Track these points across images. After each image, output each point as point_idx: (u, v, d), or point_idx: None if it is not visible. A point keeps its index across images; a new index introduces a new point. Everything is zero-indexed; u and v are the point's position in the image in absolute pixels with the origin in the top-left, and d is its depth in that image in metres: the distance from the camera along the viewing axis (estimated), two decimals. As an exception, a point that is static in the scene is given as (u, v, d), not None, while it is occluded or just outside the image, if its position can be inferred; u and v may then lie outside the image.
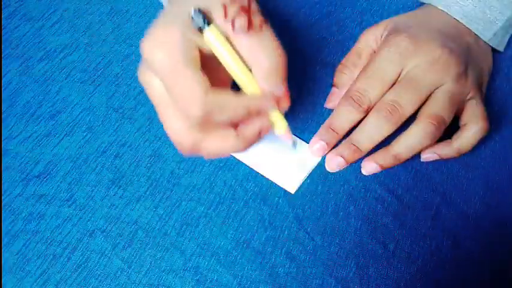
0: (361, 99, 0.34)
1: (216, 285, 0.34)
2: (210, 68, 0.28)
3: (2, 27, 0.46)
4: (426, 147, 0.34)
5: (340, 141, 0.36)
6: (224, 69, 0.29)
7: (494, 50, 0.40)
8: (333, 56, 0.43)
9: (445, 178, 0.37)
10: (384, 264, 0.35)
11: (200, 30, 0.27)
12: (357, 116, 0.34)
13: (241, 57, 0.28)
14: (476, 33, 0.38)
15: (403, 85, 0.33)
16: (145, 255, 0.35)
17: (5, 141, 0.40)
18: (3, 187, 0.38)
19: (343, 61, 0.39)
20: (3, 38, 0.45)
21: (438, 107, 0.33)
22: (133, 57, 0.44)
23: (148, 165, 0.39)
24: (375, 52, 0.38)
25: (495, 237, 0.35)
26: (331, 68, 0.42)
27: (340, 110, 0.35)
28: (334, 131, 0.35)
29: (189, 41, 0.27)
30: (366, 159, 0.35)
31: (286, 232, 0.36)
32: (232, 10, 0.27)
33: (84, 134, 0.40)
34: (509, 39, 0.41)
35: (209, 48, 0.28)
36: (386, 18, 0.44)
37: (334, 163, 0.35)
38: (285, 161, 0.37)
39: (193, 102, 0.26)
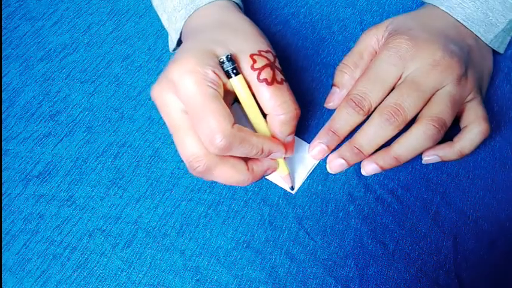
0: (362, 102, 0.34)
1: (216, 285, 0.34)
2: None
3: (2, 27, 0.46)
4: (427, 149, 0.34)
5: (340, 144, 0.36)
6: (228, 95, 0.32)
7: (494, 52, 0.40)
8: (333, 56, 0.43)
9: (445, 178, 0.37)
10: (384, 264, 0.35)
11: (227, 73, 0.31)
12: (357, 119, 0.34)
13: (257, 101, 0.32)
14: (477, 35, 0.38)
15: (405, 88, 0.33)
16: (145, 255, 0.35)
17: (5, 141, 0.40)
18: (3, 187, 0.38)
19: (344, 61, 0.39)
20: (3, 38, 0.45)
21: (439, 109, 0.33)
22: (134, 57, 0.44)
23: (149, 165, 0.39)
24: (376, 52, 0.38)
25: (495, 237, 0.35)
26: (331, 68, 0.42)
27: (341, 113, 0.35)
28: (334, 133, 0.35)
29: (219, 78, 0.30)
30: (365, 159, 0.35)
31: (286, 232, 0.36)
32: (259, 63, 0.31)
33: (84, 134, 0.40)
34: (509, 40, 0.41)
35: (230, 85, 0.32)
36: (387, 18, 0.44)
37: (336, 165, 0.35)
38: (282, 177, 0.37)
39: (219, 133, 0.29)
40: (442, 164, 0.37)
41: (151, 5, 0.46)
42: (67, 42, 0.45)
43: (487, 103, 0.39)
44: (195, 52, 0.31)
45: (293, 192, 0.37)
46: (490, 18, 0.38)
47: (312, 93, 0.41)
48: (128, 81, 0.42)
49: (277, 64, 0.33)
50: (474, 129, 0.34)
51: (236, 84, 0.31)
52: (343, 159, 0.35)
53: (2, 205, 0.37)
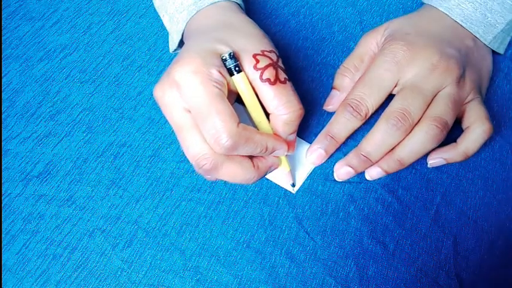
0: (359, 107, 0.34)
1: (216, 285, 0.34)
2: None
3: (2, 27, 0.46)
4: (430, 151, 0.34)
5: (338, 148, 0.37)
6: (231, 95, 0.32)
7: (494, 52, 0.40)
8: (333, 56, 0.43)
9: (445, 178, 0.37)
10: (384, 264, 0.35)
11: (230, 70, 0.31)
12: (355, 124, 0.34)
13: (259, 100, 0.32)
14: (476, 36, 0.38)
15: (408, 93, 0.33)
16: (145, 255, 0.35)
17: (5, 141, 0.40)
18: (3, 187, 0.38)
19: (345, 64, 0.39)
20: (3, 38, 0.45)
21: (440, 110, 0.33)
22: (134, 57, 0.44)
23: (148, 165, 0.39)
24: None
25: (495, 237, 0.35)
26: (331, 68, 0.42)
27: (339, 118, 0.35)
28: (332, 138, 0.35)
29: (224, 78, 0.30)
30: None
31: (286, 232, 0.36)
32: (262, 63, 0.31)
33: (84, 134, 0.40)
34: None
35: (233, 84, 0.31)
36: (387, 18, 0.45)
37: (343, 173, 0.35)
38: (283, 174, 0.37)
39: (225, 132, 0.29)
40: (443, 165, 0.37)
41: (151, 5, 0.46)
42: (67, 42, 0.45)
43: (487, 103, 0.39)
44: (199, 51, 0.31)
45: (293, 191, 0.37)
46: (489, 19, 0.38)
47: (312, 93, 0.41)
48: (127, 81, 0.42)
49: (280, 64, 0.33)
50: (477, 129, 0.34)
51: (238, 81, 0.31)
52: (350, 166, 0.35)
53: (2, 205, 0.37)
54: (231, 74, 0.31)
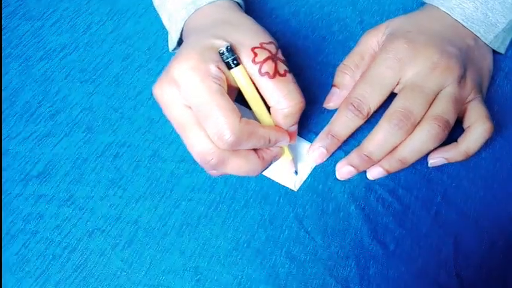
0: (361, 106, 0.34)
1: (216, 285, 0.34)
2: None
3: (2, 27, 0.46)
4: (432, 150, 0.34)
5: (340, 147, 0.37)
6: (231, 90, 0.32)
7: (495, 52, 0.40)
8: (333, 55, 0.43)
9: (446, 178, 0.37)
10: (384, 264, 0.35)
11: (228, 64, 0.30)
12: (357, 123, 0.34)
13: (259, 93, 0.32)
14: (477, 35, 0.38)
15: (409, 92, 0.33)
16: (145, 255, 0.35)
17: (5, 141, 0.40)
18: (3, 187, 0.38)
19: (345, 61, 0.39)
20: (3, 38, 0.45)
21: (442, 109, 0.33)
22: (133, 57, 0.44)
23: (148, 165, 0.38)
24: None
25: (495, 237, 0.35)
26: (331, 67, 0.42)
27: (340, 116, 0.35)
28: (334, 137, 0.35)
29: (222, 73, 0.30)
30: None
31: (286, 232, 0.36)
32: (260, 56, 0.31)
33: (84, 134, 0.40)
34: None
35: (232, 78, 0.31)
36: (387, 18, 0.44)
37: (345, 172, 0.35)
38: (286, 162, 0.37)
39: (228, 128, 0.29)
40: (443, 164, 0.37)
41: (151, 5, 0.46)
42: (67, 42, 0.45)
43: (488, 103, 0.39)
44: (197, 48, 0.31)
45: (295, 189, 0.37)
46: (490, 18, 0.38)
47: (312, 93, 0.40)
48: (127, 81, 0.42)
49: (279, 55, 0.32)
50: (478, 128, 0.34)
51: (237, 74, 0.31)
52: (352, 166, 0.35)
53: (2, 205, 0.37)
54: (230, 68, 0.31)
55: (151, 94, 0.41)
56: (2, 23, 0.46)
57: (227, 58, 0.30)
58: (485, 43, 0.38)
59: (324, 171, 0.37)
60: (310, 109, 0.40)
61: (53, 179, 0.38)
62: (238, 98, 0.33)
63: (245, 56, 0.31)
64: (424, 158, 0.35)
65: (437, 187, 0.37)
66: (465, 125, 0.35)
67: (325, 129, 0.36)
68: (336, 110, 0.37)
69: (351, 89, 0.35)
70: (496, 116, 0.39)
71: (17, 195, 0.38)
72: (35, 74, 0.43)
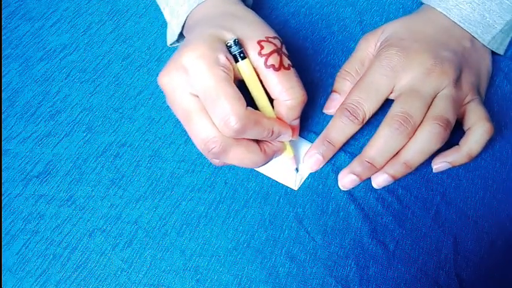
0: (356, 111, 0.34)
1: (216, 285, 0.34)
2: None
3: (2, 27, 0.46)
4: (435, 154, 0.34)
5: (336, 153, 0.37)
6: (234, 81, 0.31)
7: (494, 53, 0.40)
8: (333, 56, 0.43)
9: (445, 178, 0.37)
10: (384, 264, 0.35)
11: (234, 57, 0.31)
12: (352, 128, 0.34)
13: (263, 86, 0.32)
14: (475, 36, 0.38)
15: (407, 96, 0.33)
16: (145, 255, 0.35)
17: (5, 141, 0.40)
18: (3, 187, 0.38)
19: (346, 67, 0.39)
20: (3, 38, 0.45)
21: (441, 110, 0.33)
22: (133, 57, 0.44)
23: (148, 165, 0.38)
24: None
25: (495, 237, 0.35)
26: (331, 68, 0.42)
27: (336, 122, 0.35)
28: (330, 143, 0.35)
29: (230, 63, 0.30)
30: None
31: (286, 232, 0.36)
32: (266, 49, 0.31)
33: (84, 134, 0.40)
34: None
35: (237, 70, 0.32)
36: (386, 18, 0.45)
37: (348, 181, 0.35)
38: (287, 159, 0.37)
39: (234, 115, 0.29)
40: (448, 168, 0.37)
41: (150, 5, 0.46)
42: (67, 42, 0.45)
43: (487, 103, 0.39)
44: (205, 37, 0.31)
45: (295, 188, 0.37)
46: (487, 19, 0.38)
47: (312, 93, 0.41)
48: (127, 81, 0.42)
49: (284, 50, 0.33)
50: (478, 130, 0.34)
51: (243, 68, 0.31)
52: (355, 174, 0.34)
53: (2, 205, 0.37)
54: (236, 61, 0.31)
55: (152, 94, 0.42)
56: (2, 23, 0.46)
57: (234, 51, 0.31)
58: (483, 44, 0.38)
59: (323, 171, 0.37)
60: (310, 109, 0.40)
61: (53, 179, 0.38)
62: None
63: (251, 49, 0.32)
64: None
65: (437, 187, 0.37)
66: (465, 127, 0.35)
67: (321, 135, 0.36)
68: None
69: (347, 96, 0.35)
70: (496, 116, 0.39)
71: (17, 195, 0.38)
72: (35, 74, 0.43)
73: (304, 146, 0.38)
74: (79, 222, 0.37)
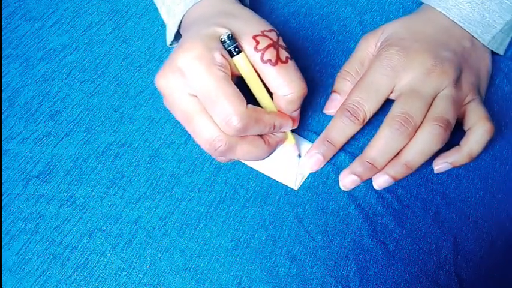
0: (357, 111, 0.34)
1: (216, 285, 0.34)
2: None
3: (2, 27, 0.46)
4: (436, 155, 0.34)
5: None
6: (233, 77, 0.31)
7: (494, 53, 0.40)
8: (333, 55, 0.43)
9: (445, 178, 0.37)
10: (384, 264, 0.35)
11: (230, 52, 0.31)
12: (353, 129, 0.34)
13: (261, 80, 0.32)
14: (475, 36, 0.38)
15: (407, 97, 0.33)
16: (145, 255, 0.35)
17: (5, 141, 0.40)
18: (3, 187, 0.38)
19: (346, 68, 0.39)
20: (3, 38, 0.45)
21: (441, 110, 0.33)
22: (133, 57, 0.44)
23: (148, 165, 0.39)
24: None
25: (495, 237, 0.35)
26: (331, 67, 0.42)
27: (336, 122, 0.35)
28: (330, 143, 0.35)
29: (226, 61, 0.30)
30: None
31: (286, 232, 0.36)
32: (262, 44, 0.31)
33: (84, 134, 0.40)
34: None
35: (234, 66, 0.31)
36: (386, 18, 0.45)
37: (349, 181, 0.35)
38: (287, 159, 0.37)
39: (235, 115, 0.29)
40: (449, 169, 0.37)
41: (150, 5, 0.46)
42: (67, 42, 0.45)
43: (488, 103, 0.39)
44: (201, 37, 0.31)
45: (296, 187, 0.37)
46: (487, 19, 0.38)
47: (312, 93, 0.41)
48: (127, 81, 0.42)
49: (281, 42, 0.32)
50: (479, 130, 0.34)
51: (239, 62, 0.31)
52: (356, 175, 0.34)
53: (2, 205, 0.37)
54: (232, 56, 0.31)
55: (152, 94, 0.42)
56: (2, 23, 0.46)
57: (229, 46, 0.31)
58: (483, 44, 0.38)
59: (323, 171, 0.37)
60: (310, 109, 0.40)
61: (53, 179, 0.38)
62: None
63: (247, 44, 0.31)
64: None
65: (437, 187, 0.37)
66: (466, 127, 0.35)
67: (322, 135, 0.36)
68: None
69: (347, 96, 0.35)
70: (496, 116, 0.39)
71: (17, 195, 0.38)
72: (35, 74, 0.43)
73: (305, 146, 0.38)
74: (79, 222, 0.37)
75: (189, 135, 0.39)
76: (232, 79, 0.31)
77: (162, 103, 0.41)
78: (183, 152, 0.39)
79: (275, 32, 0.33)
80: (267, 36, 0.32)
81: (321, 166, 0.37)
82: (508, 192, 0.37)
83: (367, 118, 0.34)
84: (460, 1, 0.38)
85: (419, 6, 0.42)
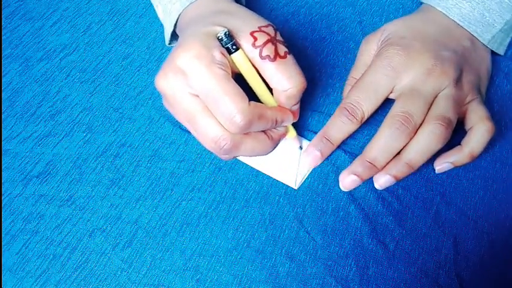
0: (355, 111, 0.34)
1: (216, 285, 0.34)
2: None
3: (2, 27, 0.46)
4: (437, 154, 0.34)
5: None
6: (232, 74, 0.31)
7: (494, 53, 0.40)
8: (332, 55, 0.43)
9: (445, 178, 0.37)
10: (384, 264, 0.35)
11: (227, 50, 0.31)
12: (351, 127, 0.34)
13: (261, 76, 0.32)
14: (475, 35, 0.38)
15: (407, 96, 0.33)
16: (145, 255, 0.35)
17: (5, 141, 0.40)
18: (3, 187, 0.38)
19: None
20: (3, 38, 0.45)
21: (442, 109, 0.33)
22: (133, 57, 0.44)
23: (149, 165, 0.39)
24: None
25: (495, 237, 0.35)
26: (331, 67, 0.42)
27: (335, 121, 0.35)
28: (328, 140, 0.35)
29: (226, 58, 0.30)
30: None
31: (286, 231, 0.36)
32: (260, 40, 0.31)
33: (84, 134, 0.40)
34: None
35: (233, 63, 0.31)
36: (386, 18, 0.45)
37: (349, 181, 0.35)
38: (287, 158, 0.37)
39: (238, 112, 0.29)
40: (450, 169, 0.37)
41: (151, 5, 0.46)
42: (67, 42, 0.45)
43: (488, 103, 0.39)
44: (199, 36, 0.31)
45: (296, 187, 0.37)
46: (487, 18, 0.38)
47: (311, 93, 0.41)
48: (127, 81, 0.42)
49: (279, 37, 0.32)
50: (480, 129, 0.34)
51: (238, 59, 0.31)
52: (356, 175, 0.34)
53: (2, 205, 0.37)
54: (230, 53, 0.31)
55: (152, 94, 0.42)
56: (2, 23, 0.46)
57: (226, 44, 0.31)
58: (483, 44, 0.38)
59: (323, 171, 0.37)
60: (309, 109, 0.40)
61: (53, 179, 0.38)
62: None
63: (245, 41, 0.31)
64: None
65: (436, 187, 0.37)
66: (467, 126, 0.35)
67: (320, 132, 0.36)
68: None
69: (346, 95, 0.35)
70: (496, 116, 0.39)
71: (17, 195, 0.38)
72: (35, 74, 0.43)
73: (304, 145, 0.38)
74: (79, 222, 0.37)
75: (189, 135, 0.39)
76: (231, 76, 0.31)
77: (162, 103, 0.41)
78: (183, 152, 0.39)
79: (272, 26, 0.32)
80: (264, 32, 0.31)
81: (319, 163, 0.37)
82: (508, 192, 0.37)
83: (365, 117, 0.34)
84: (460, 0, 0.38)
85: (419, 6, 0.42)
